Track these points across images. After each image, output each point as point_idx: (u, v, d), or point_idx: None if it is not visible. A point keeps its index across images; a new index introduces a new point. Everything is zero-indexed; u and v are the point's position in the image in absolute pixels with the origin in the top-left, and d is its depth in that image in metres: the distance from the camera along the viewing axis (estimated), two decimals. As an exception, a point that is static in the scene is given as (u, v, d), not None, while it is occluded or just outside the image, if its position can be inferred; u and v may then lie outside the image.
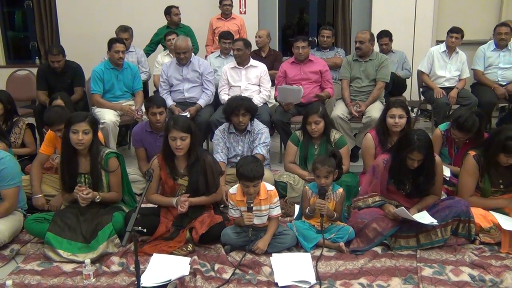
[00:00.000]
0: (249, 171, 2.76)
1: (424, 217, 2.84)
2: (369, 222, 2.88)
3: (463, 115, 3.37)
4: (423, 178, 2.91)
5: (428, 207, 2.96)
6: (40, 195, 3.39)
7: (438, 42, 6.03)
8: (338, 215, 3.02)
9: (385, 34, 5.46)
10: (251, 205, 2.81)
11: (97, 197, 2.99)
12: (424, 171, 2.89)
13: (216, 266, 2.70)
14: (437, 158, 3.00)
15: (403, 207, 2.85)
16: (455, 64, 5.15)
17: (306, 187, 3.10)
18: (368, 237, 2.86)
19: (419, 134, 2.85)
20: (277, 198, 2.95)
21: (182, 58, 4.60)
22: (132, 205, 3.25)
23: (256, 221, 2.87)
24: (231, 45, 5.16)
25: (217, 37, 5.94)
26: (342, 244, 2.85)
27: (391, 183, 3.00)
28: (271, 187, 2.96)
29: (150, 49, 6.07)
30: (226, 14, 6.02)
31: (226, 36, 5.26)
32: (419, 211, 2.93)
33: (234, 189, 2.95)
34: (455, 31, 5.08)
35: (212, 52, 5.87)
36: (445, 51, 5.17)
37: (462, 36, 5.11)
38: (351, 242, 2.91)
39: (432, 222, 2.78)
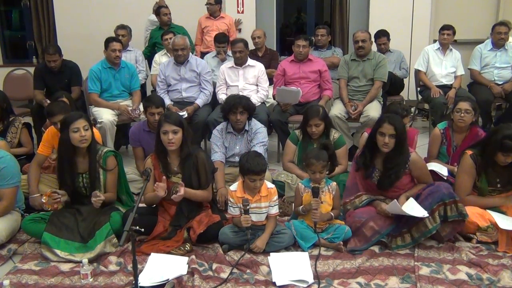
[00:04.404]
0: (256, 165, 2.79)
1: (413, 208, 2.83)
2: (366, 220, 2.89)
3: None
4: (392, 156, 2.90)
5: (414, 195, 2.95)
6: (37, 195, 3.38)
7: (436, 41, 6.05)
8: (338, 211, 3.04)
9: (383, 34, 5.48)
10: (247, 207, 2.82)
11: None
12: (394, 152, 2.90)
13: (214, 266, 2.70)
14: (413, 154, 2.99)
15: (394, 200, 2.84)
16: (451, 61, 5.22)
17: (299, 183, 3.11)
18: (365, 236, 2.87)
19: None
20: (277, 196, 2.97)
21: (180, 55, 4.59)
22: (130, 205, 3.25)
23: (255, 218, 2.88)
24: (225, 48, 5.20)
25: (206, 37, 6.01)
26: (340, 242, 2.86)
27: (365, 175, 3.01)
28: (271, 185, 2.99)
29: (147, 52, 6.08)
30: (212, 13, 6.03)
31: (220, 40, 5.24)
32: (407, 198, 2.94)
33: (234, 186, 2.96)
34: (446, 28, 5.21)
35: (201, 51, 5.89)
36: (439, 48, 5.26)
37: (454, 33, 5.22)
38: (348, 241, 2.91)
39: (424, 215, 2.78)
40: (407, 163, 2.96)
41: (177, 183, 3.00)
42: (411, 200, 2.91)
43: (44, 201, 2.99)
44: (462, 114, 3.44)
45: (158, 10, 5.93)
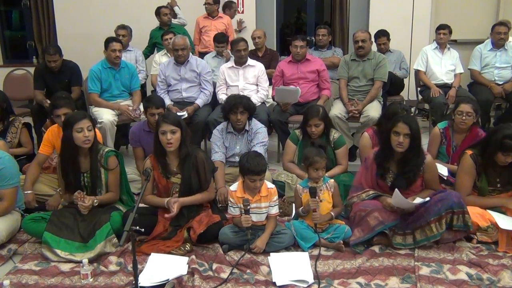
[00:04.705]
0: (256, 165, 2.80)
1: (416, 199, 2.85)
2: (371, 210, 2.87)
3: (464, 97, 3.11)
4: (409, 157, 2.88)
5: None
6: (30, 192, 3.39)
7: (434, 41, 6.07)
8: (339, 209, 3.05)
9: (383, 34, 5.49)
10: (248, 207, 2.82)
11: (95, 201, 2.99)
12: (411, 157, 2.88)
13: (214, 266, 2.70)
14: (429, 157, 3.00)
15: (396, 190, 2.80)
16: (450, 59, 5.27)
17: (298, 185, 3.12)
18: (369, 225, 2.85)
19: (404, 107, 2.85)
20: (277, 196, 2.97)
21: (180, 55, 4.58)
22: (130, 205, 3.25)
23: (255, 218, 2.88)
24: (224, 48, 5.21)
25: (204, 37, 6.03)
26: (340, 241, 2.86)
27: (379, 176, 3.00)
28: (271, 185, 2.99)
29: (148, 51, 6.09)
30: (210, 13, 6.03)
31: (219, 40, 5.24)
32: (413, 199, 2.93)
33: (234, 186, 2.96)
34: (442, 27, 5.28)
35: (199, 52, 5.89)
36: (437, 47, 5.31)
37: (450, 32, 5.27)
38: (349, 239, 2.90)
39: (426, 199, 2.79)
40: (422, 164, 2.95)
41: (176, 183, 3.00)
42: (417, 198, 2.91)
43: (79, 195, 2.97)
44: (464, 117, 3.44)
45: (158, 10, 5.94)
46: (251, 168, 2.80)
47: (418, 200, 2.82)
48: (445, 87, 5.16)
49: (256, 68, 4.77)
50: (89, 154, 3.06)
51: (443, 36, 5.23)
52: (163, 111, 3.76)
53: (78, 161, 3.06)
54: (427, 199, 2.80)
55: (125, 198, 3.28)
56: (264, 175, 2.88)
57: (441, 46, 5.27)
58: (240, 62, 4.74)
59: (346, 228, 2.92)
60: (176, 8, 6.31)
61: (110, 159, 3.09)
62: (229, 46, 5.24)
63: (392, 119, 2.90)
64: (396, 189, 2.81)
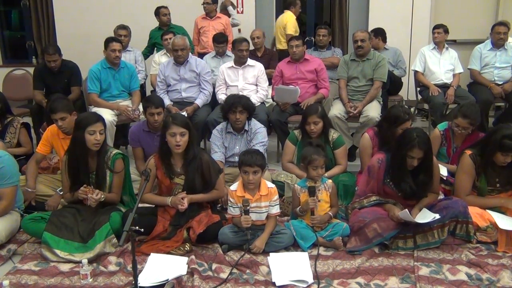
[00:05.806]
0: (249, 158, 2.85)
1: (426, 216, 2.84)
2: (369, 221, 2.86)
3: (465, 104, 3.48)
4: (422, 177, 2.88)
5: (428, 205, 2.96)
6: (33, 191, 3.41)
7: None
8: (336, 209, 3.05)
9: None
10: (248, 207, 2.82)
11: (102, 196, 2.99)
12: (423, 170, 2.88)
13: (214, 266, 2.70)
14: (434, 160, 2.99)
15: (406, 210, 2.81)
16: (448, 59, 5.28)
17: (296, 185, 3.12)
18: (367, 237, 2.85)
19: (418, 131, 2.84)
20: (277, 196, 2.97)
21: (180, 55, 4.59)
22: (131, 206, 3.24)
23: (255, 217, 2.88)
24: (224, 47, 5.21)
25: (202, 37, 6.03)
26: (337, 238, 2.85)
27: (387, 184, 2.99)
28: (271, 185, 3.00)
29: (147, 52, 6.08)
30: (208, 13, 6.03)
31: (219, 40, 5.23)
32: (420, 210, 2.92)
33: (234, 186, 2.97)
34: (437, 27, 5.33)
35: (198, 52, 5.89)
36: (435, 47, 5.33)
37: (446, 31, 5.30)
38: (348, 240, 2.90)
39: (434, 218, 2.78)
40: (433, 170, 2.94)
41: (179, 184, 3.00)
42: (424, 210, 2.91)
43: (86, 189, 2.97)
44: (460, 130, 3.44)
45: (158, 10, 5.94)
46: (244, 159, 2.86)
47: (427, 219, 2.80)
48: (445, 87, 5.16)
49: (255, 68, 4.77)
50: (97, 155, 3.07)
51: (438, 35, 5.25)
52: (163, 111, 3.76)
53: (88, 161, 3.06)
54: (438, 217, 2.79)
55: (127, 199, 3.28)
56: (259, 170, 2.88)
57: (439, 46, 5.29)
58: (240, 62, 4.74)
59: (344, 225, 2.93)
60: (230, 8, 6.28)
61: (117, 162, 3.10)
62: (229, 46, 5.25)
63: (407, 143, 2.82)
64: (406, 210, 2.80)
